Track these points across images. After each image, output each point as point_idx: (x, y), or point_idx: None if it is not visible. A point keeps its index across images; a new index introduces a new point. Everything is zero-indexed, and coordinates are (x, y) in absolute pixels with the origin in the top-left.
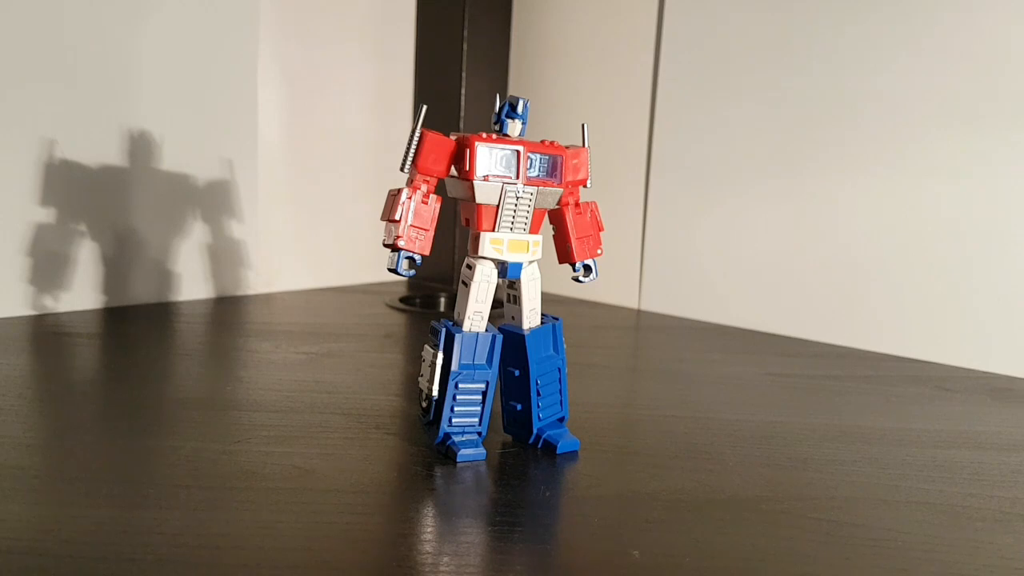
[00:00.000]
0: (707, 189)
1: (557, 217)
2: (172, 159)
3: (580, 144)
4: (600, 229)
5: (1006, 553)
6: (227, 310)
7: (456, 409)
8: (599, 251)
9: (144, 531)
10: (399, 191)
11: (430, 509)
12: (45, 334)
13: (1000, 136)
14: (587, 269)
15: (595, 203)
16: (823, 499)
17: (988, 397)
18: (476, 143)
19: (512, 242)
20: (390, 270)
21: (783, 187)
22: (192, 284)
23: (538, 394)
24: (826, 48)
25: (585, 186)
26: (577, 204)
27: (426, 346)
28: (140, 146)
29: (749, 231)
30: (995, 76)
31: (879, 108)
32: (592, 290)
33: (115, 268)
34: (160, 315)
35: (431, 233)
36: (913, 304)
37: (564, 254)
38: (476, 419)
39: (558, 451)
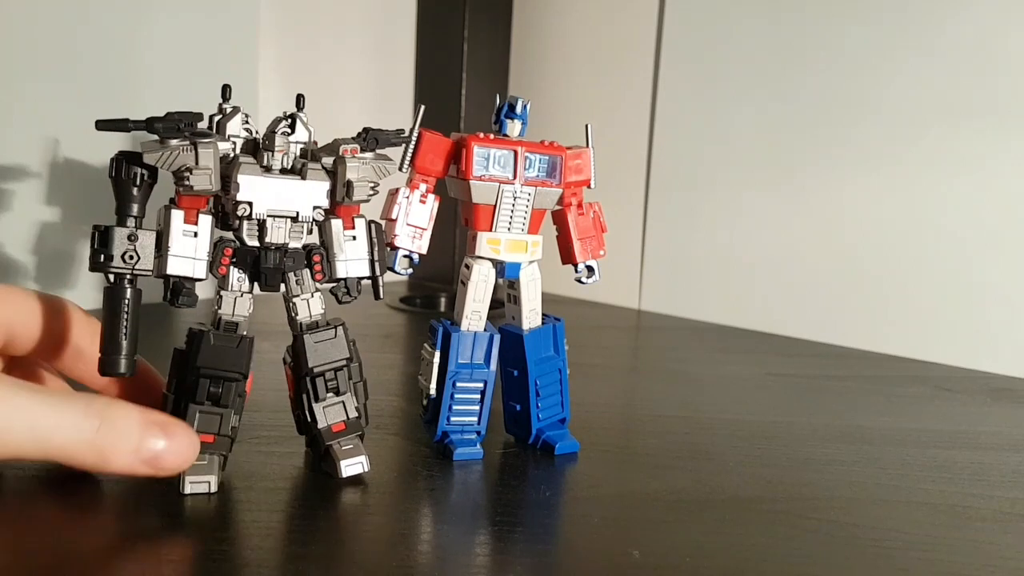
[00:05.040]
0: (707, 189)
1: (559, 218)
2: None
3: (584, 145)
4: (603, 230)
5: (1006, 553)
6: None
7: (454, 408)
8: (601, 252)
9: (145, 531)
10: (397, 190)
11: (430, 509)
12: None
13: (1000, 136)
14: (589, 270)
15: (598, 204)
16: (823, 499)
17: (988, 397)
18: (472, 143)
19: (510, 242)
20: (388, 268)
21: (783, 187)
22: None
23: (537, 395)
24: (827, 48)
25: (589, 187)
26: (579, 205)
27: (425, 345)
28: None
29: (749, 231)
30: (995, 77)
31: (878, 109)
32: (592, 290)
33: None
34: (161, 315)
35: (428, 232)
36: (913, 304)
37: (566, 255)
38: (475, 418)
39: (556, 452)
